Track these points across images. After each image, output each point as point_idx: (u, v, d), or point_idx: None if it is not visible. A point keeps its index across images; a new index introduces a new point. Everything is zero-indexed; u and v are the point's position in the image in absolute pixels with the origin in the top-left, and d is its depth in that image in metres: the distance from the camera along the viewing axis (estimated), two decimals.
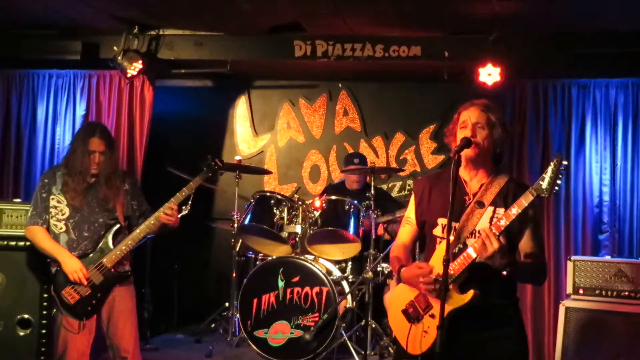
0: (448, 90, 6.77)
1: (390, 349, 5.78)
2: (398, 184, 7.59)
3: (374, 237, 5.94)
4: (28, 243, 4.91)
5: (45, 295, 4.95)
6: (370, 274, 5.67)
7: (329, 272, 5.94)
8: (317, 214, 6.02)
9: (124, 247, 4.52)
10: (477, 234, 3.24)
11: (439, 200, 3.41)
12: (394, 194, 7.48)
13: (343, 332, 5.67)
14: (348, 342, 5.64)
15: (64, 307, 4.49)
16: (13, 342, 4.93)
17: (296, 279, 5.78)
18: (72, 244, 4.54)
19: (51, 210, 4.58)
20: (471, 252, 3.15)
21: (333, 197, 6.11)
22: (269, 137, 7.93)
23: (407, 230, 3.57)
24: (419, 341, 3.29)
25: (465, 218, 3.29)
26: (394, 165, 7.57)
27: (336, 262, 6.23)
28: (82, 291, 4.46)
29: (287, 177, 7.88)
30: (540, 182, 3.06)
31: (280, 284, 5.80)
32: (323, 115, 7.83)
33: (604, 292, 5.18)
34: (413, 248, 3.66)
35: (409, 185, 7.49)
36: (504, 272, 3.14)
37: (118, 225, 4.60)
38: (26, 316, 4.95)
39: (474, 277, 3.20)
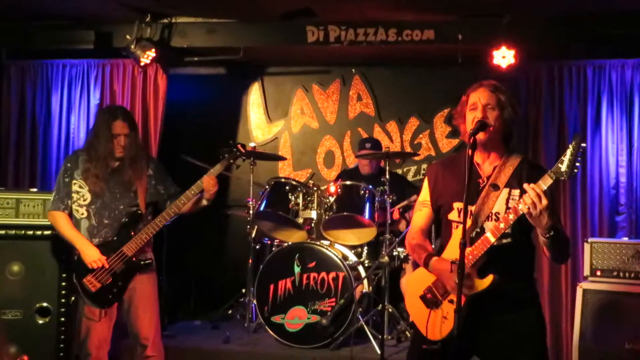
0: (462, 73, 6.71)
1: (407, 333, 5.79)
2: (413, 169, 7.58)
3: (389, 222, 5.93)
4: (46, 232, 4.96)
5: (64, 284, 5.00)
6: (386, 258, 5.67)
7: (345, 257, 5.94)
8: (332, 199, 6.02)
9: (144, 236, 4.54)
10: (494, 217, 3.23)
11: (453, 184, 3.40)
12: (409, 178, 7.47)
13: (360, 316, 5.68)
14: (365, 326, 5.65)
15: (86, 295, 4.52)
16: (32, 330, 4.99)
17: (312, 264, 5.79)
18: (92, 230, 4.57)
19: (73, 195, 4.59)
20: (490, 236, 3.14)
21: (348, 183, 6.11)
22: (283, 123, 7.92)
23: (423, 213, 3.56)
24: (439, 327, 3.29)
25: (481, 202, 3.28)
26: (408, 149, 7.56)
27: (352, 247, 6.23)
28: (103, 279, 4.49)
29: (301, 163, 7.88)
30: (559, 165, 3.02)
31: (297, 269, 5.81)
32: (337, 101, 7.82)
33: (621, 274, 5.17)
34: (429, 234, 3.66)
35: (424, 170, 7.48)
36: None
37: (139, 213, 4.62)
38: (45, 304, 5.01)
39: (492, 261, 3.19)
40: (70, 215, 4.62)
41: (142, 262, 4.61)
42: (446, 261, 3.30)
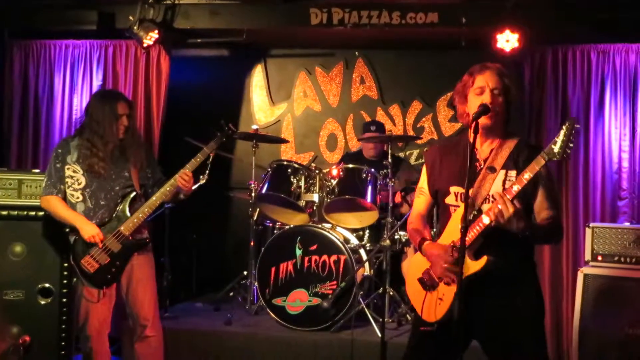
0: (465, 57, 6.66)
1: (408, 316, 5.80)
2: (415, 152, 7.57)
3: (391, 205, 5.93)
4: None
5: (66, 265, 5.00)
6: (387, 241, 5.68)
7: (347, 240, 5.95)
8: (334, 182, 6.02)
9: (140, 215, 4.57)
10: (491, 199, 3.24)
11: (450, 168, 3.43)
12: (412, 162, 7.47)
13: (361, 299, 5.69)
14: (366, 309, 5.66)
15: (84, 276, 4.54)
16: (34, 311, 4.99)
17: (314, 247, 5.79)
18: (89, 212, 4.59)
19: (67, 180, 4.61)
20: (486, 219, 3.15)
21: (350, 166, 6.10)
22: (286, 106, 7.91)
23: (421, 200, 3.60)
24: (434, 309, 3.32)
25: (478, 184, 3.29)
26: (411, 133, 7.55)
27: (354, 231, 6.24)
28: (101, 260, 4.51)
29: (304, 146, 7.88)
30: (552, 146, 3.04)
31: (298, 252, 5.82)
32: (340, 84, 7.80)
33: (622, 259, 5.19)
34: (430, 218, 3.67)
35: None
36: (522, 236, 3.13)
37: (134, 193, 4.64)
38: (47, 285, 5.01)
39: (489, 243, 3.20)
40: (65, 199, 4.64)
41: (139, 241, 4.63)
42: (437, 245, 3.34)
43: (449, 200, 3.40)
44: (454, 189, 3.38)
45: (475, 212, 3.24)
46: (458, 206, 3.33)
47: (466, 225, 3.08)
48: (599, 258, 5.25)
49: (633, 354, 4.98)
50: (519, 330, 3.29)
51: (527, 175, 3.08)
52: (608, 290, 5.13)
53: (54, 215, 4.65)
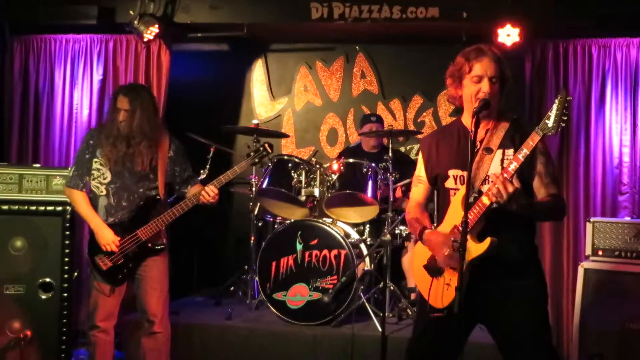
0: None
1: (408, 310, 5.81)
2: (416, 147, 7.55)
3: (391, 199, 5.93)
4: (49, 207, 4.97)
5: (67, 259, 5.02)
6: (388, 236, 5.68)
7: (347, 235, 5.94)
8: (334, 177, 6.01)
9: (160, 223, 4.56)
10: (490, 180, 3.23)
11: (447, 152, 3.45)
12: (412, 156, 7.45)
13: (361, 294, 5.69)
14: (366, 304, 5.67)
15: (97, 272, 4.54)
16: (35, 305, 5.02)
17: (314, 242, 5.79)
18: (110, 209, 4.58)
19: (93, 172, 4.59)
20: (485, 200, 3.14)
21: (351, 160, 6.09)
22: (286, 100, 7.90)
23: (419, 189, 3.60)
24: (441, 295, 3.31)
25: (476, 166, 3.29)
26: (411, 127, 7.54)
27: (354, 225, 6.23)
28: (114, 259, 4.52)
29: (304, 140, 7.86)
30: (547, 121, 3.05)
31: (299, 247, 5.82)
32: (340, 78, 7.79)
33: (623, 254, 5.18)
34: (427, 207, 3.67)
35: None
36: (524, 214, 3.13)
37: (157, 197, 4.62)
38: (48, 280, 5.03)
39: (490, 225, 3.20)
40: (90, 190, 4.63)
41: (155, 247, 4.63)
42: (438, 233, 3.33)
43: (449, 184, 3.41)
44: (452, 172, 3.39)
45: (476, 194, 3.24)
46: (458, 189, 3.34)
47: (466, 220, 3.08)
48: (600, 253, 5.25)
49: (633, 349, 4.99)
50: (523, 312, 3.29)
51: (523, 153, 3.09)
52: (608, 285, 5.13)
53: (75, 209, 4.66)
